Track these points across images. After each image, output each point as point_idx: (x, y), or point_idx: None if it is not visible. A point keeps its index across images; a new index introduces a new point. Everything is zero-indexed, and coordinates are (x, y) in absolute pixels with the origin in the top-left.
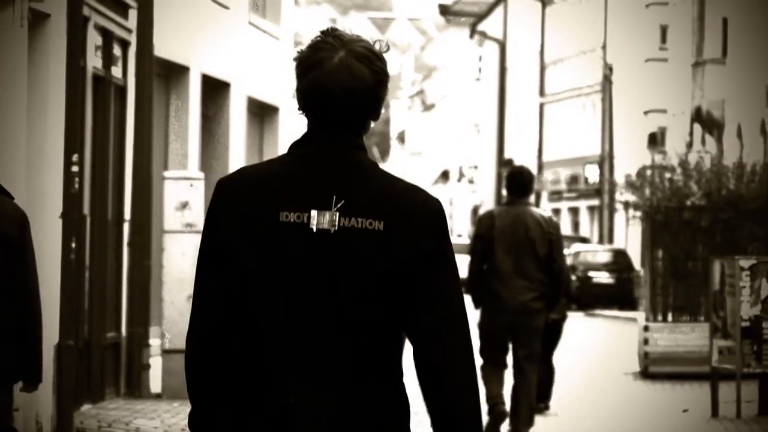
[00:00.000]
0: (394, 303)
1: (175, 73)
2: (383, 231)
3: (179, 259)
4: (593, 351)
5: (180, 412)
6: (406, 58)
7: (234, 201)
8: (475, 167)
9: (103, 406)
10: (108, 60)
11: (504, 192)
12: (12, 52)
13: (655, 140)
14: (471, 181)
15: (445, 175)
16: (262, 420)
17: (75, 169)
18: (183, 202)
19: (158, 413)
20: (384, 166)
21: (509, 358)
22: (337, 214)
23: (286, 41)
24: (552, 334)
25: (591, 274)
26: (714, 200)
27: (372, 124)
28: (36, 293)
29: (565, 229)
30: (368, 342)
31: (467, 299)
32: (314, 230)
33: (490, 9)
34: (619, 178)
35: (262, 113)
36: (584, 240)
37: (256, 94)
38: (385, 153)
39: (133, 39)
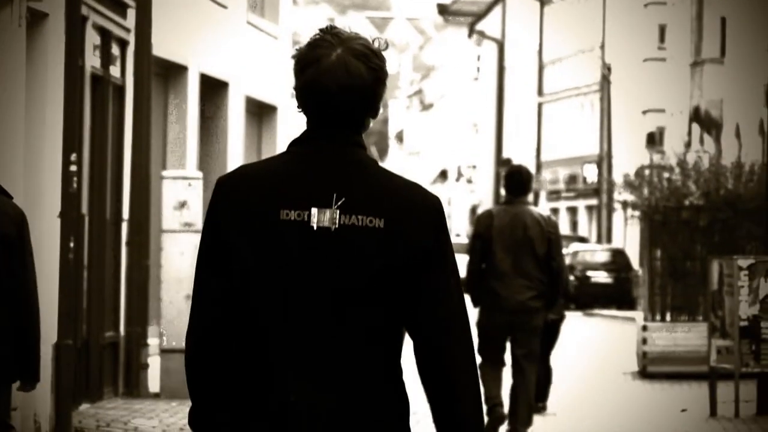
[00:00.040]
0: (394, 300)
1: (174, 72)
2: (383, 228)
3: (177, 258)
4: (591, 351)
5: (178, 412)
6: (404, 58)
7: (234, 199)
8: (474, 167)
9: (102, 406)
10: (106, 59)
11: (502, 191)
12: (10, 52)
13: (654, 140)
14: (469, 181)
15: (443, 175)
16: (262, 418)
17: (73, 168)
18: (181, 202)
19: (156, 413)
20: (382, 165)
21: (508, 357)
22: (338, 211)
23: (285, 41)
24: (549, 335)
25: (589, 273)
26: (712, 200)
27: (371, 123)
28: (34, 293)
29: (564, 228)
30: (368, 340)
31: (466, 298)
32: (315, 228)
33: (489, 8)
34: (618, 177)
35: (260, 113)
36: (582, 239)
37: (254, 93)
38: (383, 152)
39: (131, 38)
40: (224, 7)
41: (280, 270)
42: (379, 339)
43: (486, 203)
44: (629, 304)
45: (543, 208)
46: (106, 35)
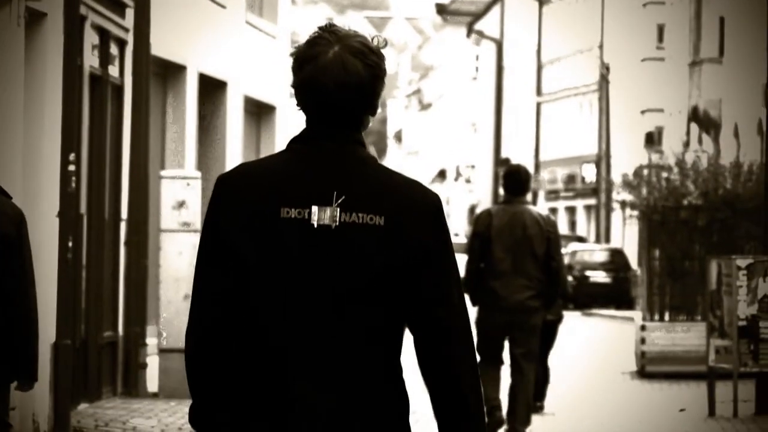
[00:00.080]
0: (394, 299)
1: (172, 72)
2: (383, 226)
3: (176, 258)
4: (590, 350)
5: (177, 411)
6: (403, 58)
7: (234, 198)
8: (472, 166)
9: (100, 405)
10: (105, 59)
11: (501, 191)
12: (9, 51)
13: (652, 139)
14: (468, 181)
15: (442, 175)
16: (262, 418)
17: (72, 168)
18: (180, 201)
19: (155, 412)
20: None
21: (506, 356)
22: (338, 209)
23: (283, 40)
24: (547, 336)
25: (588, 273)
26: (711, 200)
27: (371, 120)
28: (32, 292)
29: (562, 228)
30: (368, 339)
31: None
32: (315, 226)
33: (487, 8)
34: (616, 177)
35: (259, 112)
36: (581, 239)
37: (253, 93)
38: (382, 152)
39: (130, 38)
40: (223, 6)
41: (281, 268)
42: (379, 338)
43: (485, 203)
44: (628, 303)
45: (541, 207)
46: (104, 35)
